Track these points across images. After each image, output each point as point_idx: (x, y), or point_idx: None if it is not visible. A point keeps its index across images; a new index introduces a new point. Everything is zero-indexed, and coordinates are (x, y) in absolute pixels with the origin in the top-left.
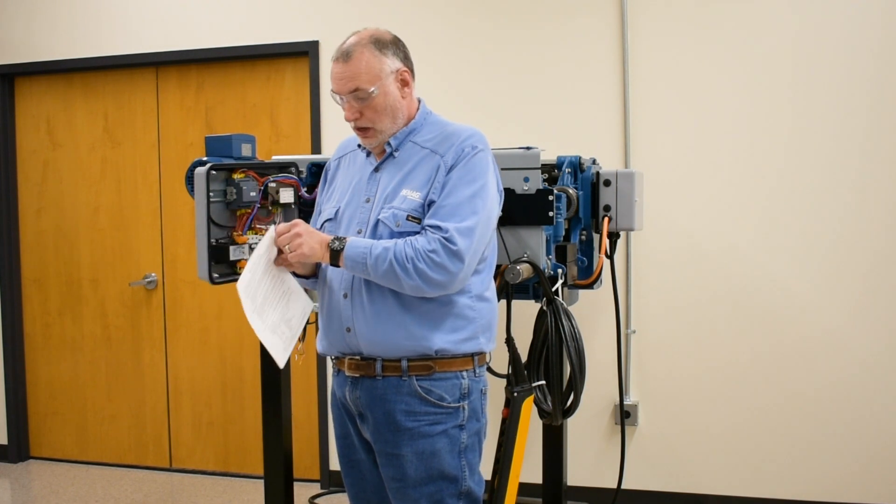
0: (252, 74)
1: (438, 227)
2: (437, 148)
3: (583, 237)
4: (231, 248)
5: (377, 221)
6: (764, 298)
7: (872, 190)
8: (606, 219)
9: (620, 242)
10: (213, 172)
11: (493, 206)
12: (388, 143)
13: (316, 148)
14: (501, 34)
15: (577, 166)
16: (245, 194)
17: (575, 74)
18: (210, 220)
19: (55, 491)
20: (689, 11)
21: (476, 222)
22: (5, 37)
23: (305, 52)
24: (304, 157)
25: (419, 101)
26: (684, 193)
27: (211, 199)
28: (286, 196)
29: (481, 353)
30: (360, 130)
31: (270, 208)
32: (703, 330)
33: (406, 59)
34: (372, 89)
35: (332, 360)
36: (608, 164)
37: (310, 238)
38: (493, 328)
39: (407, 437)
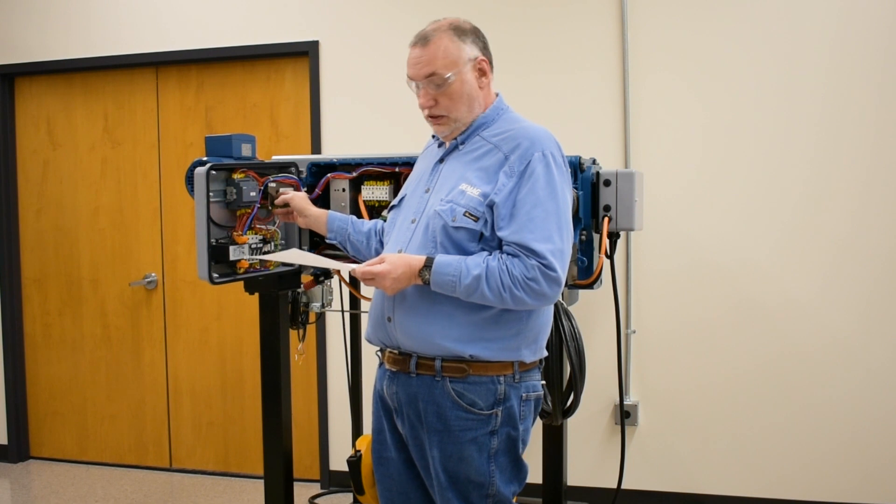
0: (252, 74)
1: (533, 252)
2: (501, 144)
3: (583, 237)
4: (231, 248)
5: (433, 212)
6: (764, 298)
7: (879, 192)
8: (606, 219)
9: (620, 242)
10: (213, 172)
11: (570, 216)
12: (455, 136)
13: (316, 148)
14: (500, 35)
15: (576, 166)
16: (245, 194)
17: (575, 74)
18: (210, 220)
19: (55, 491)
20: (690, 11)
21: (565, 240)
22: (5, 37)
23: (305, 52)
24: (304, 157)
25: (497, 95)
26: (684, 193)
27: (211, 199)
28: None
29: (522, 362)
30: (434, 118)
31: (270, 208)
32: (702, 330)
33: (485, 49)
34: (448, 75)
35: (376, 352)
36: (608, 164)
37: (394, 278)
38: (540, 340)
39: (436, 439)
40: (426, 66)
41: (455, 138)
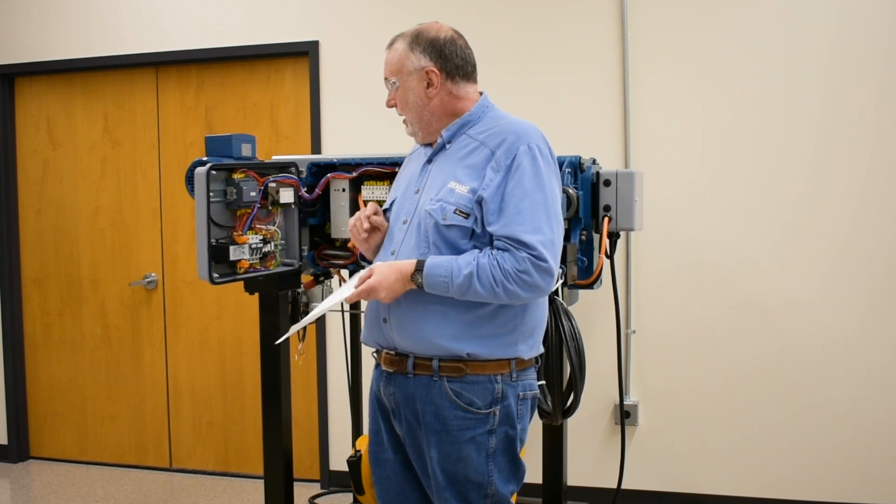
0: (252, 74)
1: (523, 244)
2: (487, 141)
3: (583, 237)
4: (231, 248)
5: (424, 212)
6: (764, 298)
7: (879, 192)
8: (606, 219)
9: (620, 242)
10: (213, 172)
11: (560, 208)
12: (441, 135)
13: (316, 148)
14: (500, 35)
15: (577, 166)
16: (245, 194)
17: (575, 74)
18: (210, 220)
19: (55, 491)
20: (690, 11)
21: (555, 231)
22: (5, 37)
23: (305, 52)
24: (304, 157)
25: (481, 94)
26: (684, 193)
27: (211, 199)
28: (286, 196)
29: (519, 359)
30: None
31: (270, 208)
32: (702, 330)
33: (441, 58)
34: (393, 80)
35: (372, 353)
36: (608, 164)
37: (387, 287)
38: (536, 335)
39: (434, 440)
40: (385, 69)
41: (442, 136)
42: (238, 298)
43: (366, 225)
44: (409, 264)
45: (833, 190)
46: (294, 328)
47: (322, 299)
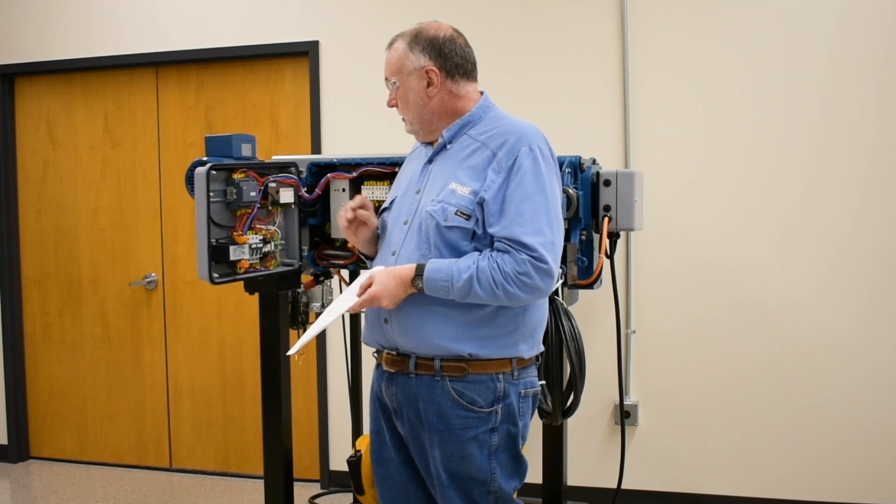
0: (252, 74)
1: (524, 245)
2: (488, 142)
3: (583, 237)
4: (231, 248)
5: (425, 213)
6: (764, 298)
7: (879, 192)
8: (606, 219)
9: (620, 242)
10: (214, 172)
11: (560, 209)
12: (442, 136)
13: (316, 148)
14: (500, 35)
15: (576, 166)
16: (245, 194)
17: (575, 74)
18: (210, 220)
19: (55, 491)
20: (690, 11)
21: (555, 232)
22: (5, 37)
23: (305, 52)
24: (304, 157)
25: (481, 94)
26: (684, 193)
27: (211, 199)
28: (286, 196)
29: (520, 358)
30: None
31: (270, 208)
32: (702, 330)
33: (440, 57)
34: (394, 80)
35: (373, 353)
36: (608, 164)
37: (388, 294)
38: (536, 335)
39: (437, 439)
40: (385, 69)
41: (443, 137)
42: (238, 298)
43: (348, 215)
44: (408, 269)
45: (833, 190)
46: (303, 340)
47: (322, 300)
